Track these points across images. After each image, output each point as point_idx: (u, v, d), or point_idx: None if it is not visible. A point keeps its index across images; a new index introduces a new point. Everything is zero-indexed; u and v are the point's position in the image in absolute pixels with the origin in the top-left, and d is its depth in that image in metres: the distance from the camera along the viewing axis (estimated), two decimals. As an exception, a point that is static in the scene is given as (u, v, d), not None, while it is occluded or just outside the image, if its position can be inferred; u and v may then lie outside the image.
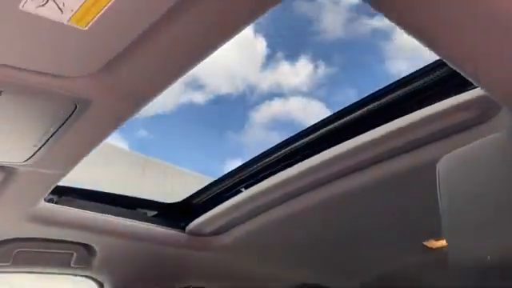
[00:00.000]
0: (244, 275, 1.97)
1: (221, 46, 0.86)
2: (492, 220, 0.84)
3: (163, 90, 0.95)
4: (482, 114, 1.09)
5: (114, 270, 1.74)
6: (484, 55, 0.84)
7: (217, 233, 1.76)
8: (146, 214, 1.74)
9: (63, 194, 1.52)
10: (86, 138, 1.03)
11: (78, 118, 0.94)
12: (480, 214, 0.86)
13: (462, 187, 0.90)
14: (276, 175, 1.53)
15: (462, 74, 0.93)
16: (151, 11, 0.72)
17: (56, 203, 1.50)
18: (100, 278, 1.77)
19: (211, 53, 0.87)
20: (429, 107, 1.16)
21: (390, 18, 0.75)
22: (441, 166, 0.93)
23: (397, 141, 1.24)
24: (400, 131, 1.22)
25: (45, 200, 1.43)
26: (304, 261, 1.97)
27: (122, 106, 0.93)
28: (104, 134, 1.02)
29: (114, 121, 0.97)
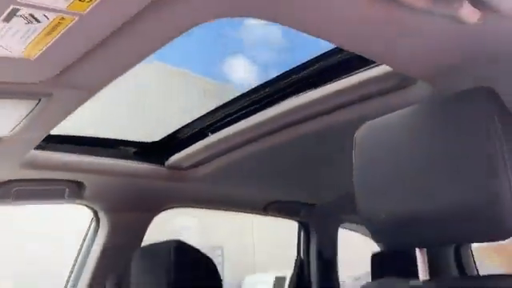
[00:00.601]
0: (220, 199, 2.22)
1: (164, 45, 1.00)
2: (393, 183, 0.96)
3: (116, 79, 1.10)
4: (400, 83, 1.23)
5: (105, 200, 1.98)
6: (387, 40, 0.96)
7: (194, 166, 1.96)
8: (128, 151, 1.93)
9: (50, 141, 1.70)
10: (56, 116, 1.21)
11: (44, 105, 1.11)
12: (382, 178, 0.99)
13: (373, 154, 1.00)
14: (242, 121, 1.71)
15: (373, 59, 1.06)
16: (94, 37, 0.84)
17: (45, 149, 1.69)
18: (93, 207, 2.02)
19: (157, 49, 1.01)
20: (353, 76, 1.31)
21: (287, 24, 0.87)
22: (358, 133, 1.04)
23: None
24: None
25: (34, 148, 1.62)
26: (276, 183, 2.21)
27: (78, 95, 1.10)
28: (70, 112, 1.20)
29: (74, 104, 1.15)
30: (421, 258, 1.01)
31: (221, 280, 1.85)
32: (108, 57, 0.93)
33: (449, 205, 0.86)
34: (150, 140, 1.97)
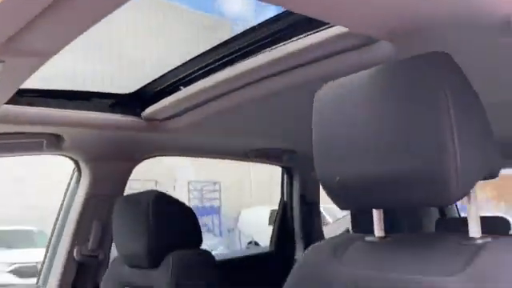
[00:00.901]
0: (200, 148, 2.25)
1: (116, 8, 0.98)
2: (347, 146, 0.94)
3: (69, 42, 1.09)
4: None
5: (84, 152, 2.00)
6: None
7: (170, 118, 1.96)
8: (105, 103, 1.92)
9: (23, 95, 1.69)
10: (13, 79, 1.21)
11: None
12: (337, 140, 0.97)
13: (330, 116, 0.99)
14: (216, 74, 1.69)
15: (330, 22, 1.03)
16: (31, 11, 0.83)
17: (17, 104, 1.68)
18: (73, 157, 2.04)
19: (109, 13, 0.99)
20: (314, 35, 1.30)
21: None
22: (317, 94, 1.02)
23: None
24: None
25: (5, 103, 1.61)
26: (254, 133, 2.23)
27: (30, 60, 1.10)
28: (26, 75, 1.20)
29: (30, 68, 1.15)
30: (377, 216, 1.03)
31: (200, 228, 1.90)
32: (55, 23, 0.92)
33: (398, 169, 0.87)
34: (130, 90, 1.96)
